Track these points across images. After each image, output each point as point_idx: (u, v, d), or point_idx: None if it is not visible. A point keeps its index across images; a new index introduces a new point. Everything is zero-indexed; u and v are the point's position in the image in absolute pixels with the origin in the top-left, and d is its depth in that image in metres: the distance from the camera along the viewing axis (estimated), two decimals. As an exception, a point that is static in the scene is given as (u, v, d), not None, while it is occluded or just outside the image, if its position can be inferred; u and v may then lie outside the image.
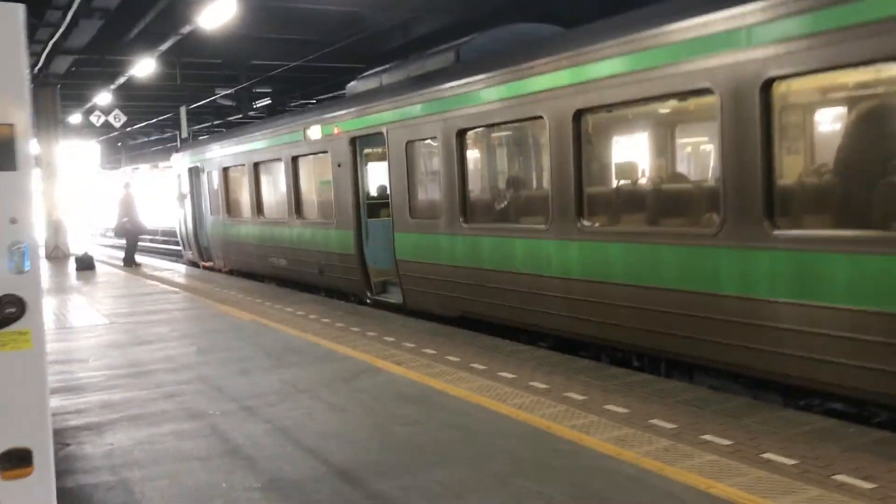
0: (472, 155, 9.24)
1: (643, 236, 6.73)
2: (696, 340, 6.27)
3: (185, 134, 17.88)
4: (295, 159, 13.49)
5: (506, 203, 8.86)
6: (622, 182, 7.65)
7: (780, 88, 5.56)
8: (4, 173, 3.05)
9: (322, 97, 26.09)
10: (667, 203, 7.11)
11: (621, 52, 6.65)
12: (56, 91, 22.99)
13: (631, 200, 7.46)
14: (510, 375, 6.74)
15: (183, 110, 17.35)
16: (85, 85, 24.51)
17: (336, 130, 11.85)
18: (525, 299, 8.13)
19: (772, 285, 5.58)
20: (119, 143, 56.79)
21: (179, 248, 22.04)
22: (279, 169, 14.15)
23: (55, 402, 6.50)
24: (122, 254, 20.83)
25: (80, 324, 10.69)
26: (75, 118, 26.23)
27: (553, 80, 7.47)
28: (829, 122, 6.00)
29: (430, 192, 10.01)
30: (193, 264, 20.12)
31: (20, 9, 3.07)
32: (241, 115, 28.09)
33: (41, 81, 22.49)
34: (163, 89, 25.69)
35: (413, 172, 10.14)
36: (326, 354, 7.99)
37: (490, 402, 5.97)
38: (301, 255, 13.44)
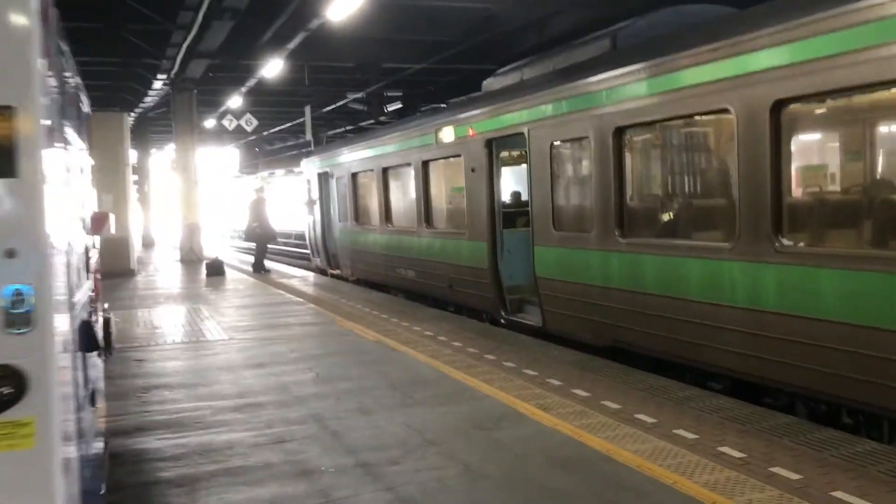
0: (632, 157, 7.86)
1: (877, 263, 5.15)
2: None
3: (308, 136, 17.28)
4: (425, 164, 12.50)
5: (674, 214, 7.44)
6: (844, 189, 6.00)
7: None
8: (-1, 181, 2.04)
9: (454, 100, 25.21)
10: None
11: (856, 22, 5.11)
12: (193, 96, 23.19)
13: (852, 213, 5.83)
14: (690, 435, 5.34)
15: (307, 110, 16.75)
16: (219, 90, 24.69)
17: (470, 132, 10.74)
18: (696, 332, 6.69)
19: None
20: (257, 149, 58.55)
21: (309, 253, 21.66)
22: (408, 174, 13.20)
23: (152, 442, 5.67)
24: (252, 259, 20.62)
25: (198, 339, 10.06)
26: (210, 122, 26.51)
27: (744, 63, 6.01)
28: None
29: (579, 200, 8.71)
30: (321, 272, 19.61)
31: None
32: (372, 121, 27.69)
33: (178, 86, 22.74)
34: (293, 94, 25.58)
35: (558, 177, 8.86)
36: (458, 390, 6.83)
37: (672, 475, 4.61)
38: (430, 268, 12.42)
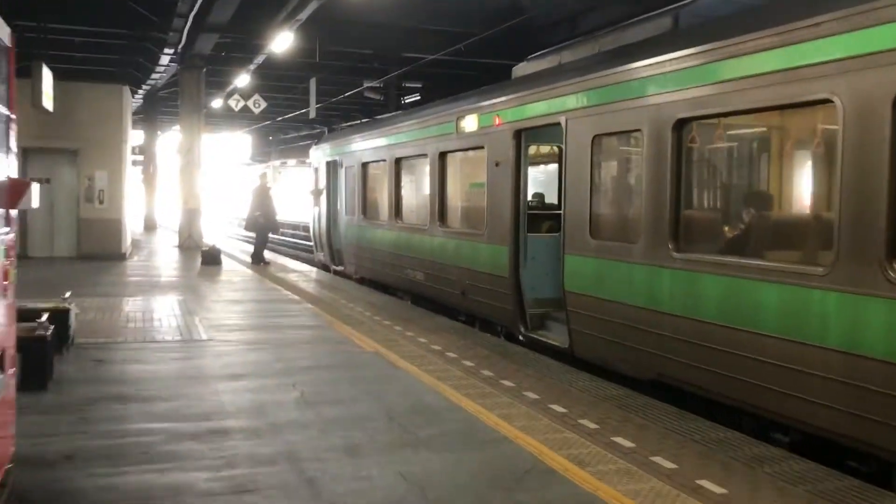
0: (697, 154, 6.56)
1: None
2: None
3: (313, 114, 16.02)
4: (443, 156, 11.23)
5: (746, 227, 6.13)
6: None
7: None
8: None
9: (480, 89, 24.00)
10: None
11: None
12: (201, 75, 21.99)
13: None
14: (777, 519, 4.06)
15: (312, 83, 15.35)
16: (229, 72, 23.51)
17: (496, 121, 9.46)
18: (772, 376, 5.40)
19: None
20: (270, 137, 57.42)
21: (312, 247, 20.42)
22: (423, 166, 11.94)
23: (76, 480, 4.41)
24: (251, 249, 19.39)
25: (174, 337, 8.82)
26: (217, 103, 25.30)
27: (857, 42, 4.72)
28: None
29: (624, 204, 7.44)
30: (324, 268, 18.38)
31: None
32: (389, 114, 26.48)
33: (187, 63, 21.55)
34: (307, 80, 24.40)
35: (600, 176, 7.59)
36: (470, 428, 5.56)
37: (765, 588, 3.34)
38: (441, 271, 11.16)
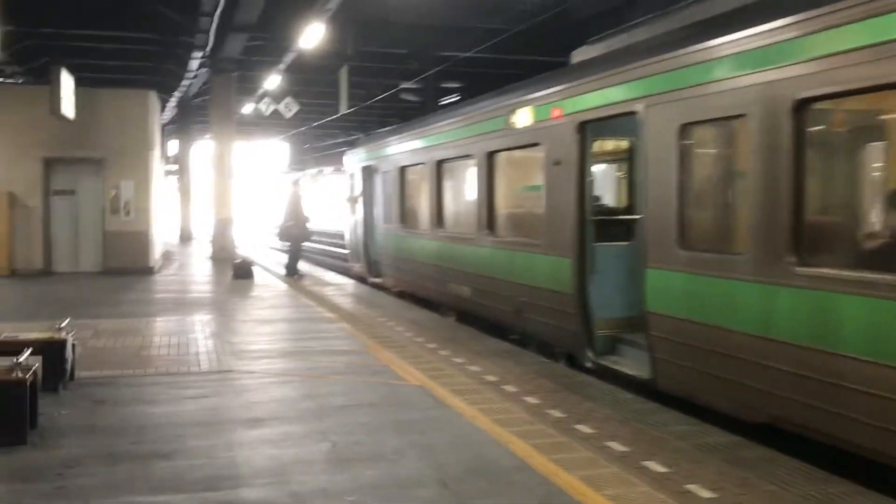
0: (828, 142, 5.25)
1: None
2: None
3: (344, 108, 14.86)
4: (491, 156, 10.00)
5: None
6: None
7: None
8: None
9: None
10: None
11: None
12: (232, 79, 21.10)
13: None
14: None
15: (344, 73, 14.17)
16: (259, 77, 22.58)
17: (555, 113, 8.21)
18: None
19: None
20: (306, 145, 56.77)
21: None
22: (469, 169, 10.73)
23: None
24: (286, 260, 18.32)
25: (189, 368, 7.71)
26: (248, 108, 24.37)
27: None
28: None
29: (724, 206, 6.15)
30: (361, 279, 17.25)
31: None
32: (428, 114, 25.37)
33: (217, 67, 20.67)
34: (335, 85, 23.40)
35: (690, 173, 6.29)
36: (547, 499, 4.32)
37: None
38: (491, 286, 9.92)
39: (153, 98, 17.91)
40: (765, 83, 5.27)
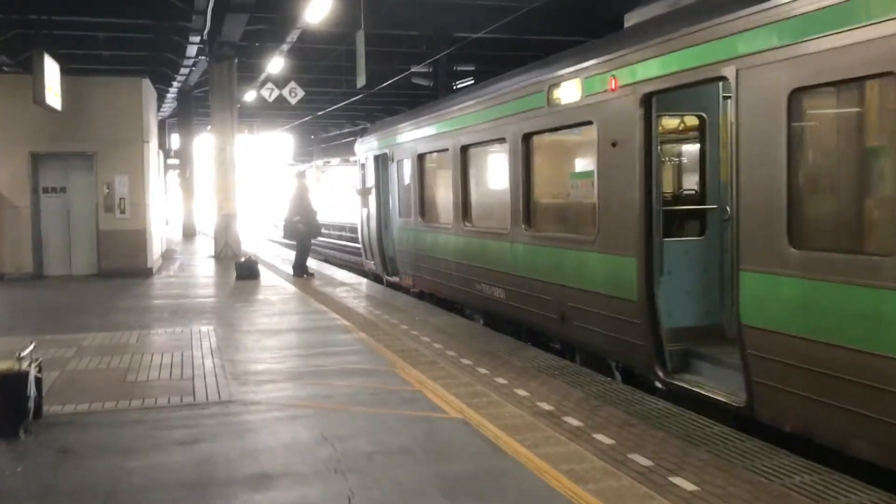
0: None
1: None
2: None
3: (362, 81, 13.45)
4: (528, 138, 8.69)
5: None
6: None
7: None
8: None
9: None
10: None
11: None
12: (233, 66, 19.78)
13: None
14: None
15: (360, 38, 12.76)
16: (261, 65, 21.24)
17: (612, 84, 6.89)
18: None
19: None
20: (312, 136, 55.43)
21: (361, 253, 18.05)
22: (500, 154, 9.43)
23: None
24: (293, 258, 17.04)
25: (182, 398, 6.45)
26: (250, 95, 23.04)
27: None
28: None
29: (857, 193, 4.82)
30: (376, 278, 15.99)
31: None
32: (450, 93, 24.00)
33: (216, 53, 19.36)
34: (348, 71, 22.04)
35: (804, 151, 4.98)
36: None
37: None
38: (529, 288, 8.64)
39: (148, 86, 16.62)
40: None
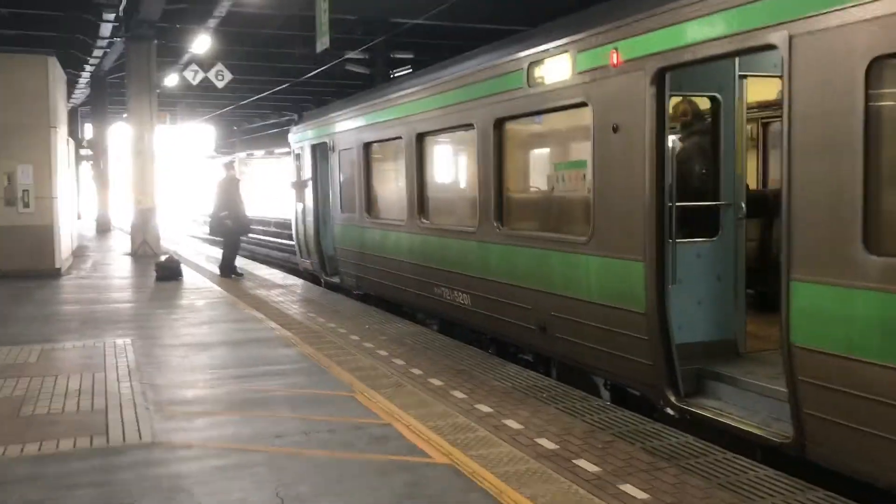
0: None
1: None
2: None
3: (323, 45, 12.06)
4: (501, 124, 7.61)
5: None
6: None
7: None
8: None
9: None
10: None
11: None
12: (151, 47, 18.09)
13: None
14: None
15: None
16: (183, 49, 19.55)
17: (613, 59, 5.87)
18: None
19: None
20: (234, 128, 53.19)
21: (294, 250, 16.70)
22: (466, 142, 8.35)
23: None
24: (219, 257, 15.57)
25: (92, 440, 5.13)
26: (171, 79, 21.30)
27: None
28: None
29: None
30: (313, 278, 14.71)
31: None
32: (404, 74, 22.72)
33: (133, 33, 17.67)
34: (280, 58, 20.58)
35: (888, 135, 4.05)
36: None
37: None
38: (501, 294, 7.58)
39: (55, 65, 14.85)
40: None
